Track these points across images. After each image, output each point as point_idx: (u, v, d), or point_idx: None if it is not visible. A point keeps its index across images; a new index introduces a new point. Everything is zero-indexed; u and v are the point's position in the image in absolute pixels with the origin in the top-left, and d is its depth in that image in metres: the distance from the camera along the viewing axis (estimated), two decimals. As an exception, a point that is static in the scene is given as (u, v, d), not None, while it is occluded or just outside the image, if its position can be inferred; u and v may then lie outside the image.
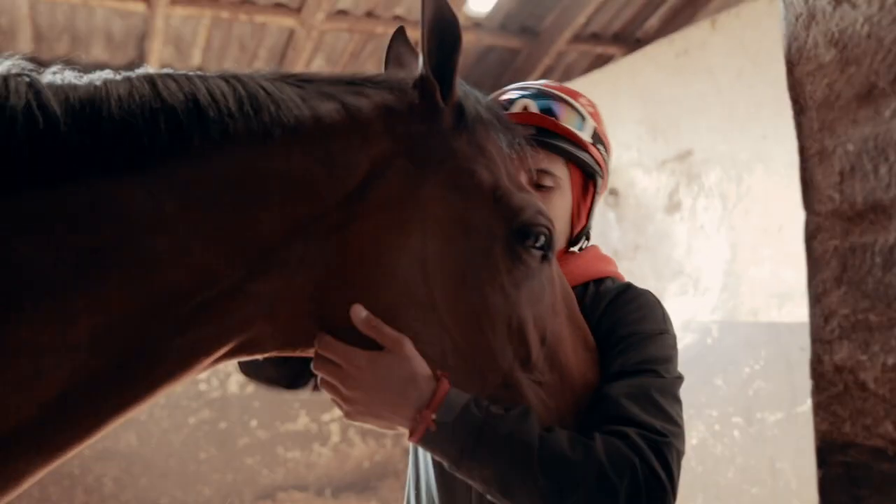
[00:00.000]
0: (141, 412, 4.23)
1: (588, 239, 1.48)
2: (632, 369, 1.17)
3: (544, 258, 1.12)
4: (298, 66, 6.74)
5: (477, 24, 6.86)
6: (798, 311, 3.30)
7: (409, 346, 1.02)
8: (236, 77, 0.98)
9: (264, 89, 0.97)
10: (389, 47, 1.30)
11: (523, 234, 1.08)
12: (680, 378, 1.22)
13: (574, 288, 1.35)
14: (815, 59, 0.94)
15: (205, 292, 0.90)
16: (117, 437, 5.69)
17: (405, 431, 1.06)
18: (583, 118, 1.40)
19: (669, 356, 1.22)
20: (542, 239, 1.10)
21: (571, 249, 1.44)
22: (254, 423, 6.21)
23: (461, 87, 1.10)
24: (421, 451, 1.42)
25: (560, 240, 1.38)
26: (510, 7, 6.83)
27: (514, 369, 1.07)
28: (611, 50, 7.52)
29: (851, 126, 0.90)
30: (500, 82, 7.66)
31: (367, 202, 0.99)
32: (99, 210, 0.85)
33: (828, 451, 0.94)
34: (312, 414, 6.45)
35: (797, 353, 3.34)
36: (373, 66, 7.05)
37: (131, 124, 0.87)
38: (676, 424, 1.13)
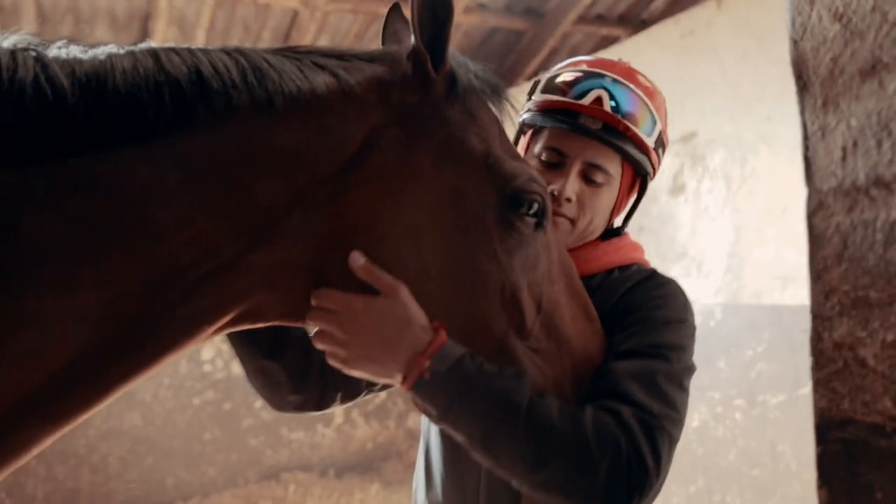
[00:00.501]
0: (145, 392, 4.26)
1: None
2: (643, 351, 1.17)
3: (538, 225, 1.12)
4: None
5: (482, 6, 6.81)
6: (801, 293, 3.29)
7: (405, 292, 1.03)
8: (238, 50, 0.99)
9: (266, 61, 0.98)
10: (386, 24, 1.31)
11: (515, 201, 1.09)
12: (690, 368, 1.22)
13: (597, 274, 1.37)
14: (820, 34, 0.93)
15: (207, 263, 0.92)
16: (122, 417, 5.72)
17: (401, 389, 1.07)
18: (654, 122, 1.38)
19: (684, 345, 1.22)
20: (535, 206, 1.10)
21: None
22: (258, 404, 6.24)
23: (454, 58, 1.10)
24: (432, 432, 1.43)
25: (595, 233, 1.40)
26: (515, -12, 6.77)
27: (509, 335, 1.08)
28: (616, 31, 7.46)
29: (855, 101, 0.89)
30: (504, 63, 7.62)
31: (362, 172, 1.01)
32: (105, 182, 0.86)
33: (826, 428, 0.94)
34: (316, 395, 6.47)
35: (800, 335, 3.33)
36: (377, 46, 7.00)
37: (136, 97, 0.88)
38: (676, 410, 1.12)
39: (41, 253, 0.82)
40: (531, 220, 1.10)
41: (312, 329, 1.07)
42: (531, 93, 1.45)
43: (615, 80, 1.37)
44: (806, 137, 0.95)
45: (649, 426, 1.06)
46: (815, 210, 0.95)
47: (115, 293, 0.86)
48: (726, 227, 3.58)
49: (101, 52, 0.92)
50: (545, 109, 1.39)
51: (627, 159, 1.37)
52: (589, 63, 1.43)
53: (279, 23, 6.66)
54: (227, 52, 0.98)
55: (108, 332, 0.86)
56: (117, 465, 5.70)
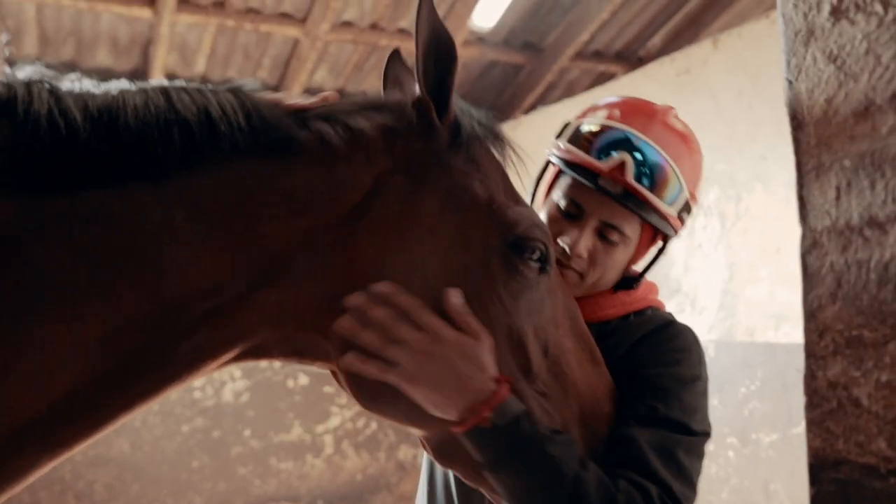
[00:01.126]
0: (134, 418, 4.21)
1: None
2: (662, 418, 1.17)
3: (542, 270, 1.12)
4: (302, 77, 6.77)
5: (480, 39, 6.89)
6: (795, 332, 3.29)
7: (489, 341, 1.03)
8: (246, 93, 1.01)
9: (273, 107, 1.01)
10: (386, 69, 1.30)
11: (519, 246, 1.09)
12: (707, 434, 1.23)
13: (612, 319, 1.38)
14: (814, 75, 0.94)
15: (212, 299, 0.93)
16: (110, 443, 5.66)
17: (435, 424, 1.04)
18: (680, 189, 1.34)
19: (699, 406, 1.24)
20: (538, 252, 1.11)
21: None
22: (247, 432, 6.18)
23: (458, 105, 1.11)
24: (438, 466, 1.40)
25: (607, 285, 1.39)
26: (514, 23, 6.86)
27: (517, 380, 1.08)
28: (613, 68, 7.55)
29: (848, 142, 0.90)
30: (502, 97, 7.70)
31: (369, 218, 1.02)
32: (114, 216, 0.87)
33: (820, 469, 0.93)
34: (306, 425, 6.42)
35: (793, 374, 3.33)
36: (376, 77, 7.07)
37: (147, 134, 0.89)
38: (692, 489, 1.16)
39: (48, 282, 0.83)
40: (535, 265, 1.10)
41: (349, 338, 1.01)
42: (560, 134, 1.41)
43: (644, 143, 1.32)
44: (800, 176, 0.96)
45: None
46: (810, 249, 0.95)
47: (119, 325, 0.87)
48: (720, 264, 3.59)
49: (114, 87, 0.94)
50: (568, 162, 1.35)
51: (647, 223, 1.34)
52: (623, 110, 1.37)
53: (279, 51, 6.72)
54: (234, 93, 0.99)
55: (112, 362, 0.87)
56: (103, 492, 5.63)
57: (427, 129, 1.08)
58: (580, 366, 1.17)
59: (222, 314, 0.94)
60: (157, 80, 1.01)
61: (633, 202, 1.30)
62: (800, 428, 3.25)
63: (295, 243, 0.98)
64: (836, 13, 0.92)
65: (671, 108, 1.42)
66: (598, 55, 7.45)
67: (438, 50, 1.04)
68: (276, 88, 7.13)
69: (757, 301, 3.45)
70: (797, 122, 0.97)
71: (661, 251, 1.45)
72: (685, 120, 1.47)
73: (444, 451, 1.09)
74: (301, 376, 6.40)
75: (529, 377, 1.09)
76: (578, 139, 1.36)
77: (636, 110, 1.38)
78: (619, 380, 1.24)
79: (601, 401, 1.18)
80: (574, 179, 1.35)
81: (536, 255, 1.10)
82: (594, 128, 1.36)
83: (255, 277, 0.95)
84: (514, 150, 1.20)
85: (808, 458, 0.95)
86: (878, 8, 0.87)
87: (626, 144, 1.32)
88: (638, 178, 1.30)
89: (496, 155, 1.17)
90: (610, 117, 1.37)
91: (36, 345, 0.82)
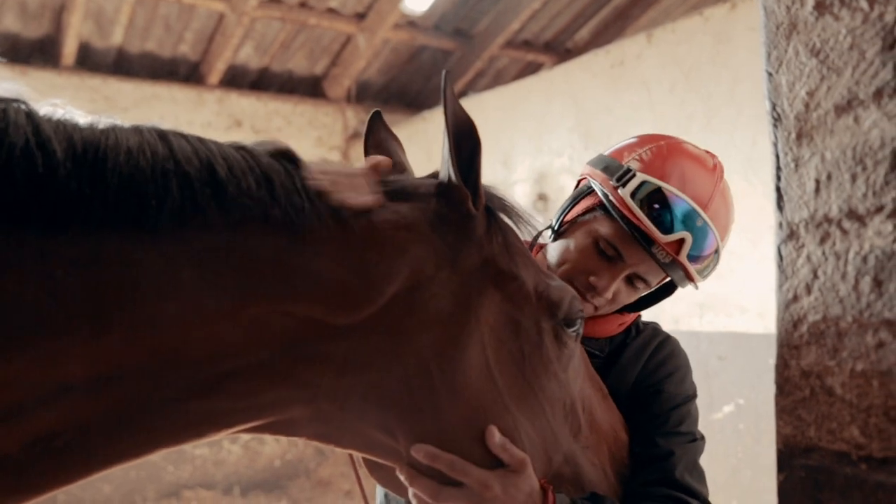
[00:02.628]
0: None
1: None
2: (684, 432, 1.36)
3: (577, 335, 1.19)
4: (226, 53, 6.56)
5: (411, 23, 6.83)
6: (717, 320, 3.40)
7: (531, 466, 1.07)
8: (251, 153, 0.92)
9: (283, 172, 0.92)
10: (368, 132, 1.27)
11: (567, 323, 1.16)
12: (704, 439, 1.43)
13: (615, 336, 1.50)
14: (796, 68, 0.95)
15: (229, 362, 0.87)
16: (13, 429, 5.38)
17: None
18: (717, 260, 1.43)
19: (696, 416, 1.44)
20: (578, 322, 1.18)
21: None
22: (162, 417, 5.99)
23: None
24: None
25: (608, 312, 1.47)
26: (446, 8, 6.83)
27: (571, 443, 1.17)
28: (541, 58, 7.62)
29: (829, 135, 0.91)
30: (430, 83, 7.66)
31: (418, 314, 0.99)
32: (102, 260, 0.79)
33: (790, 455, 0.95)
34: (224, 410, 6.26)
35: (715, 362, 3.44)
36: (303, 57, 6.91)
37: (140, 182, 0.81)
38: (706, 485, 1.34)
39: (24, 320, 0.75)
40: (574, 335, 1.18)
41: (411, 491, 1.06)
42: (619, 177, 1.35)
43: (705, 226, 1.33)
44: (778, 168, 0.97)
45: None
46: (786, 240, 0.96)
47: (109, 373, 0.80)
48: (648, 253, 3.68)
49: (102, 122, 0.85)
50: (623, 214, 1.33)
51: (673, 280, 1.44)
52: (687, 170, 1.36)
53: (203, 25, 6.48)
54: (240, 152, 0.91)
55: (99, 409, 0.80)
56: (4, 480, 5.35)
57: (464, 218, 1.04)
58: (601, 409, 1.28)
59: (243, 381, 0.88)
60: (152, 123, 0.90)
61: (674, 270, 1.36)
62: (719, 414, 3.37)
63: (321, 326, 0.92)
64: (820, 8, 0.93)
65: (719, 163, 1.47)
66: (528, 44, 7.51)
67: (462, 134, 1.01)
68: (197, 65, 6.88)
69: (682, 290, 3.54)
70: (777, 115, 0.98)
71: (667, 292, 1.55)
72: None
73: None
74: (219, 360, 6.24)
75: (578, 436, 1.18)
76: (641, 198, 1.32)
77: (699, 171, 1.39)
78: (639, 392, 1.40)
79: (619, 432, 1.31)
80: (624, 231, 1.34)
81: (577, 326, 1.18)
82: (660, 194, 1.33)
83: (282, 349, 0.90)
84: (529, 224, 1.20)
85: (778, 445, 0.96)
86: (864, 4, 0.88)
87: (690, 223, 1.32)
88: (691, 259, 1.34)
89: (519, 231, 1.18)
90: (673, 177, 1.35)
91: (7, 382, 0.75)
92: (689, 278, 1.38)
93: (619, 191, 1.34)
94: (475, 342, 1.03)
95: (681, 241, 1.31)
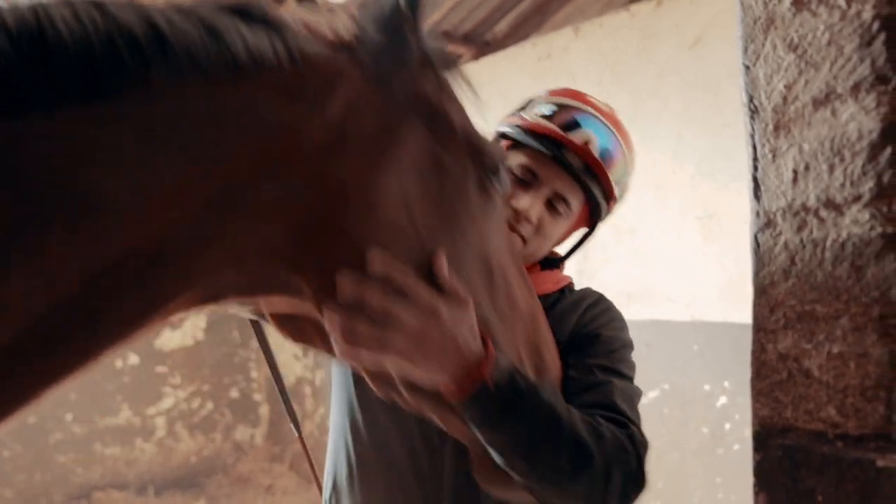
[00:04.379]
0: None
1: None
2: (619, 371, 1.32)
3: (502, 190, 1.15)
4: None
5: (331, 11, 6.72)
6: (645, 309, 3.50)
7: (471, 303, 1.01)
8: (186, 7, 0.86)
9: (225, 19, 0.87)
10: None
11: (493, 171, 1.11)
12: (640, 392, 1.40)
13: (551, 294, 1.46)
14: (773, 62, 0.98)
15: (167, 240, 0.81)
16: None
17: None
18: (625, 171, 1.48)
19: (633, 364, 1.41)
20: (502, 175, 1.14)
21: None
22: (69, 416, 5.72)
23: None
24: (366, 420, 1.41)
25: (536, 257, 1.48)
26: (367, -4, 6.74)
27: (485, 306, 1.08)
28: (460, 49, 7.64)
29: (807, 127, 0.95)
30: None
31: (342, 141, 0.93)
32: (35, 144, 0.72)
33: (767, 436, 0.98)
34: (136, 407, 6.04)
35: (642, 349, 3.52)
36: None
37: (82, 50, 0.74)
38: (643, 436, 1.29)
39: None
40: (499, 189, 1.14)
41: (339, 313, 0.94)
42: (521, 108, 1.50)
43: (606, 125, 1.43)
44: (755, 159, 1.00)
45: (640, 445, 1.21)
46: (763, 228, 1.00)
47: (52, 278, 0.73)
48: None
49: (22, 1, 0.77)
50: (532, 131, 1.42)
51: (590, 200, 1.45)
52: (584, 100, 1.47)
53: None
54: (176, 7, 0.85)
55: (40, 320, 0.74)
56: None
57: (401, 47, 0.99)
58: (519, 286, 1.19)
59: (180, 256, 0.82)
60: None
61: (590, 176, 1.39)
62: (646, 399, 3.48)
63: (259, 171, 0.87)
64: (798, 4, 0.96)
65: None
66: (447, 36, 7.50)
67: None
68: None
69: (610, 280, 3.63)
70: (754, 107, 1.01)
71: (587, 236, 1.57)
72: None
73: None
74: (131, 356, 6.00)
75: (494, 300, 1.10)
76: (543, 113, 1.43)
77: (590, 101, 1.48)
78: (576, 340, 1.37)
79: (537, 315, 1.22)
80: (533, 149, 1.41)
81: (501, 179, 1.14)
82: (561, 102, 1.44)
83: (218, 212, 0.84)
84: (466, 80, 1.14)
85: (754, 427, 1.00)
86: (842, 2, 0.92)
87: (592, 123, 1.41)
88: (601, 156, 1.40)
89: (453, 79, 1.12)
90: (572, 98, 1.47)
91: None
92: (607, 189, 1.44)
93: (524, 114, 1.48)
94: (395, 168, 0.98)
95: (588, 141, 1.40)
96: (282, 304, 1.01)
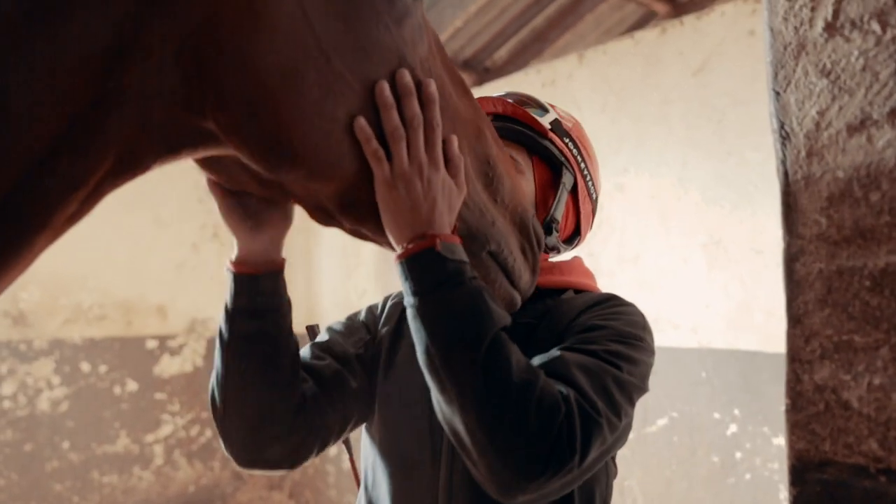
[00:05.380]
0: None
1: (576, 244, 1.48)
2: (597, 353, 1.13)
3: None
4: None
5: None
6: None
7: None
8: None
9: None
10: None
11: None
12: (641, 388, 1.20)
13: (552, 290, 1.32)
14: (805, 88, 0.97)
15: (65, 116, 0.74)
16: None
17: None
18: (545, 110, 1.40)
19: (639, 361, 1.19)
20: None
21: (553, 259, 1.43)
22: (66, 444, 5.64)
23: None
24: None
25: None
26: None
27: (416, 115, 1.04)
28: (462, 76, 7.66)
29: (841, 154, 0.94)
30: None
31: None
32: None
33: (804, 470, 0.96)
34: (134, 434, 5.96)
35: (650, 377, 3.49)
36: None
37: None
38: (617, 416, 1.10)
39: None
40: None
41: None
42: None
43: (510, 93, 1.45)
44: (787, 185, 0.99)
45: (589, 418, 1.03)
46: (796, 256, 0.98)
47: None
48: (581, 270, 3.73)
49: None
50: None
51: (530, 148, 1.38)
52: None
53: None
54: None
55: None
56: None
57: None
58: (457, 94, 1.14)
59: (81, 128, 0.75)
60: None
61: (509, 123, 1.38)
62: (654, 427, 3.44)
63: (143, 13, 0.77)
64: (830, 29, 0.95)
65: None
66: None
67: None
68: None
69: (616, 307, 3.59)
70: (785, 133, 1.00)
71: (570, 189, 1.43)
72: None
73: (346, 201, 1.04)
74: (129, 382, 5.94)
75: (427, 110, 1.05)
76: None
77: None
78: (573, 331, 1.22)
79: (486, 136, 1.17)
80: None
81: None
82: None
83: (105, 67, 0.75)
84: None
85: (790, 460, 0.97)
86: (876, 27, 0.91)
87: (500, 95, 1.46)
88: (503, 97, 1.43)
89: None
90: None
91: None
92: (532, 124, 1.39)
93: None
94: None
95: (501, 96, 1.43)
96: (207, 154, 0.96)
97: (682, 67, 3.39)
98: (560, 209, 1.38)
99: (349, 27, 0.94)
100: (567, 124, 1.43)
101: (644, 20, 6.29)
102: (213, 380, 1.22)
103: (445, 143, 1.06)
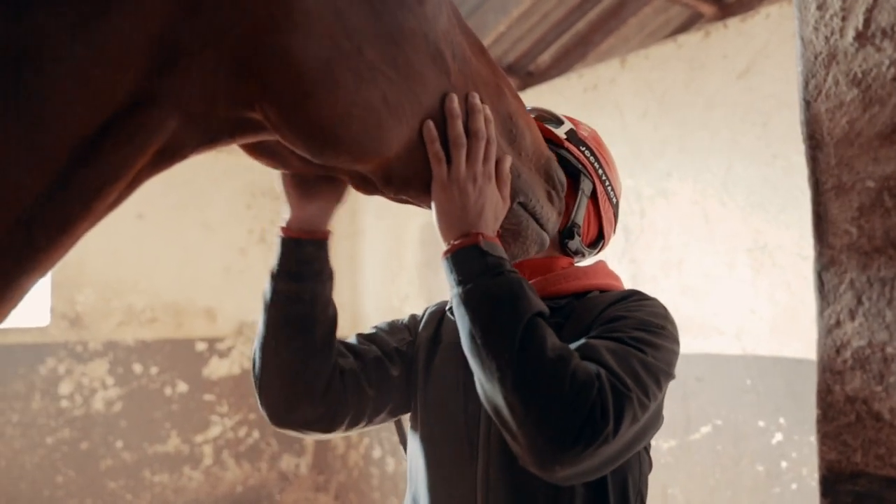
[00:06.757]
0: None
1: (600, 248, 1.51)
2: (623, 339, 1.15)
3: None
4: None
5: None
6: (694, 342, 3.44)
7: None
8: None
9: None
10: None
11: None
12: (668, 373, 1.21)
13: (572, 294, 1.36)
14: (836, 97, 0.97)
15: (107, 110, 0.78)
16: (-39, 458, 5.15)
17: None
18: (560, 122, 1.45)
19: (661, 346, 1.20)
20: None
21: (578, 264, 1.45)
22: (119, 443, 5.81)
23: None
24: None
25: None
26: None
27: (440, 82, 1.09)
28: (505, 81, 7.66)
29: (872, 163, 0.93)
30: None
31: None
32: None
33: (835, 481, 0.95)
34: (184, 435, 6.10)
35: (693, 383, 3.47)
36: None
37: None
38: (646, 395, 1.11)
39: None
40: None
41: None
42: None
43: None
44: (818, 194, 0.98)
45: (620, 393, 1.06)
46: (827, 265, 0.97)
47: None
48: (624, 276, 3.70)
49: None
50: None
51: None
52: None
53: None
54: None
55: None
56: (-48, 512, 5.11)
57: None
58: (477, 58, 1.20)
59: (120, 123, 0.79)
60: None
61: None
62: (697, 435, 3.40)
63: (181, 16, 0.81)
64: (861, 38, 0.95)
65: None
66: (497, 65, 7.55)
67: None
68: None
69: (659, 312, 3.57)
70: (815, 142, 1.00)
71: (590, 197, 1.46)
72: None
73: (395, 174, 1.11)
74: (180, 383, 6.09)
75: (448, 78, 1.11)
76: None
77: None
78: (599, 322, 1.25)
79: (502, 85, 1.24)
80: None
81: None
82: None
83: (150, 67, 0.80)
84: None
85: (821, 471, 0.97)
86: (907, 36, 0.91)
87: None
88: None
89: None
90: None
91: None
92: (546, 134, 1.43)
93: None
94: None
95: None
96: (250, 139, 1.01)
97: (726, 71, 3.35)
98: (581, 214, 1.43)
99: (375, 13, 0.99)
100: (583, 133, 1.48)
101: (689, 22, 6.23)
102: (255, 342, 1.30)
103: (499, 160, 1.17)
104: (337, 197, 1.27)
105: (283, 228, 1.27)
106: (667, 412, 3.89)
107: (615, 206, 1.53)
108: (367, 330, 1.51)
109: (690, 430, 3.40)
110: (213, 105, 0.88)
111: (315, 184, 1.23)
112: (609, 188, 1.49)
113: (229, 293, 6.19)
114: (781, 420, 3.02)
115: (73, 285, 5.64)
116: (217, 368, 6.28)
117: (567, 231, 1.41)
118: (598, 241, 1.52)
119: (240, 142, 1.02)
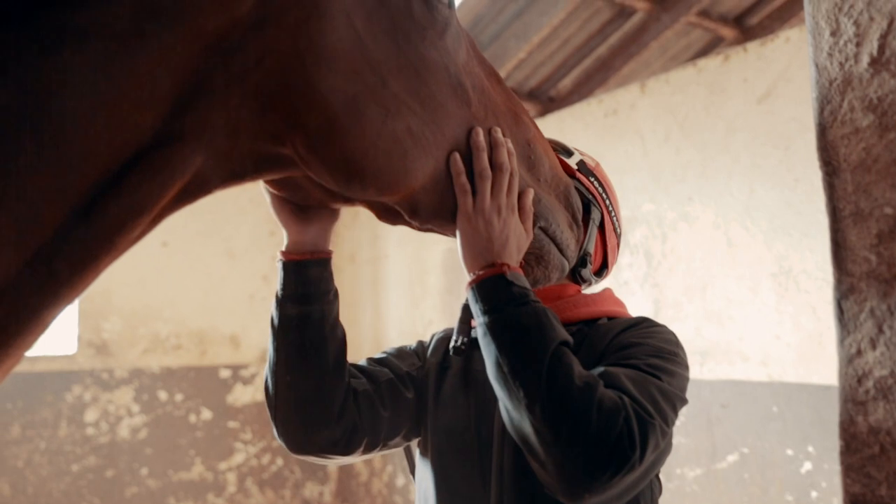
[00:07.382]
0: (17, 458, 3.85)
1: (604, 276, 1.53)
2: (637, 367, 1.17)
3: (450, 6, 1.12)
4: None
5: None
6: (718, 368, 3.39)
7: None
8: None
9: None
10: None
11: None
12: (682, 398, 1.21)
13: (582, 321, 1.36)
14: (851, 123, 0.96)
15: (131, 147, 0.79)
16: (-10, 485, 5.19)
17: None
18: (570, 153, 1.47)
19: (675, 373, 1.22)
20: None
21: (585, 291, 1.46)
22: (144, 471, 5.83)
23: None
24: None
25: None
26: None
27: (462, 113, 1.11)
28: (525, 106, 7.70)
29: (890, 189, 0.92)
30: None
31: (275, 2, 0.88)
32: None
33: (859, 514, 0.93)
34: (208, 462, 6.11)
35: (717, 409, 3.42)
36: None
37: None
38: (665, 423, 1.13)
39: None
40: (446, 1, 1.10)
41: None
42: None
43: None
44: (836, 221, 0.97)
45: (643, 420, 1.08)
46: (846, 294, 0.96)
47: (34, 211, 0.73)
48: (646, 301, 3.67)
49: None
50: None
51: None
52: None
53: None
54: None
55: (26, 255, 0.74)
56: (-21, 539, 5.15)
57: None
58: (494, 89, 1.22)
59: (148, 158, 0.80)
60: None
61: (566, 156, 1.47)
62: (724, 463, 3.35)
63: (206, 51, 0.82)
64: (876, 64, 0.94)
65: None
66: (513, 93, 7.59)
67: None
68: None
69: (682, 338, 3.53)
70: (832, 168, 0.99)
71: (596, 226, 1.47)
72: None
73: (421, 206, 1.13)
74: (204, 411, 6.11)
75: (469, 112, 1.13)
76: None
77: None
78: (611, 350, 1.26)
79: (519, 114, 1.26)
80: None
81: None
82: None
83: (174, 105, 0.81)
84: None
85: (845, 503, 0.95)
86: (922, 61, 0.90)
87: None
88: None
89: None
90: None
91: None
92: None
93: None
94: (337, 13, 0.93)
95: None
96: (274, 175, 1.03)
97: (747, 95, 3.34)
98: (591, 243, 1.45)
99: (398, 47, 1.02)
100: (591, 164, 1.50)
101: (710, 46, 6.22)
102: (266, 369, 1.30)
103: (522, 192, 1.20)
104: (334, 217, 1.28)
105: (283, 253, 1.27)
106: (692, 440, 3.85)
107: (619, 235, 1.56)
108: (377, 355, 1.51)
109: (717, 459, 3.34)
110: (238, 141, 0.90)
111: (311, 208, 1.24)
112: (614, 218, 1.53)
113: (253, 320, 6.23)
114: (810, 448, 2.96)
115: (100, 313, 5.71)
116: (241, 395, 6.30)
117: (581, 260, 1.43)
118: (602, 269, 1.54)
119: (266, 178, 1.03)
